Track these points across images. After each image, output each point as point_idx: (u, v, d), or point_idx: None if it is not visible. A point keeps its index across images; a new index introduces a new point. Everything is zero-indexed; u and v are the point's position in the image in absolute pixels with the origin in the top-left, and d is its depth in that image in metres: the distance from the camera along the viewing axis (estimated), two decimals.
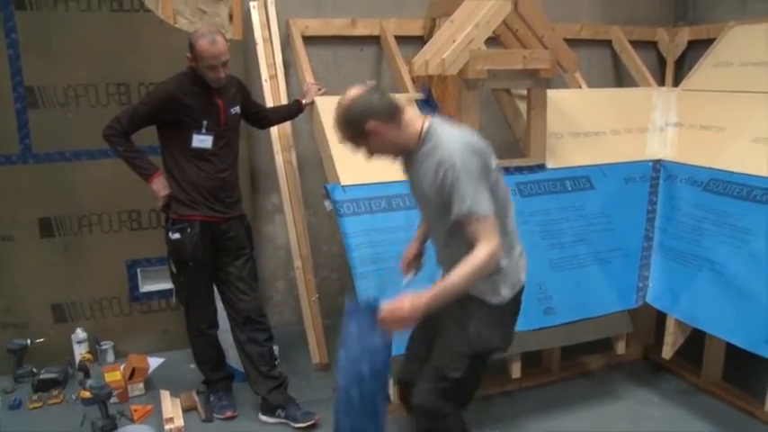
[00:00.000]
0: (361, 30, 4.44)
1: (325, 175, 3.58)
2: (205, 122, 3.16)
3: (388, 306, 2.18)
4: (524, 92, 3.80)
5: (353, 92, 2.27)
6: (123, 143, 3.17)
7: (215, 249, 3.31)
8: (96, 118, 3.59)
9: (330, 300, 4.43)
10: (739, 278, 3.23)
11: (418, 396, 2.44)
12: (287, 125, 4.17)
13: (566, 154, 3.87)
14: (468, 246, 2.19)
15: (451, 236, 2.31)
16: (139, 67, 3.91)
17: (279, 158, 4.20)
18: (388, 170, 3.44)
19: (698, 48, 4.91)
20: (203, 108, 3.16)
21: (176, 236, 3.20)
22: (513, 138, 4.16)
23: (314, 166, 4.35)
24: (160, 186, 3.21)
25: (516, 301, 2.47)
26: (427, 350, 2.53)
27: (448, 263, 2.34)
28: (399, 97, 3.77)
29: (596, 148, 3.98)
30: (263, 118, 3.70)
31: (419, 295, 2.15)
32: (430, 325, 2.45)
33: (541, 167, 3.73)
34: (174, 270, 3.31)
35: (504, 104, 4.18)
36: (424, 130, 2.29)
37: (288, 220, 4.19)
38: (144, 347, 4.12)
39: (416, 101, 3.85)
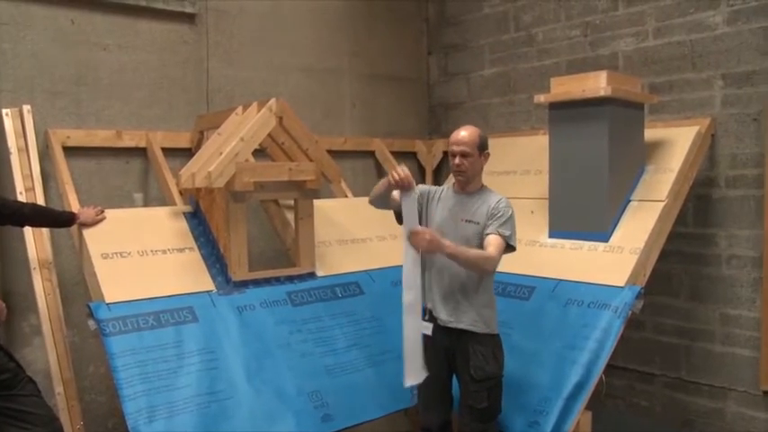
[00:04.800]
0: (126, 141, 4.33)
1: (90, 292, 3.41)
2: None
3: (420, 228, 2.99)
4: (292, 202, 3.92)
5: None
6: None
7: None
8: None
9: (99, 424, 4.14)
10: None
11: None
12: (45, 240, 3.92)
13: (335, 261, 4.01)
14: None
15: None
16: None
17: (36, 276, 3.91)
18: (155, 285, 3.40)
19: None
20: None
21: None
22: (282, 247, 4.24)
23: (77, 282, 4.12)
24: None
25: None
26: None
27: (450, 278, 3.14)
28: (166, 210, 3.81)
29: (364, 254, 4.17)
30: (20, 218, 3.36)
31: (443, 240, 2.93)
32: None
33: (312, 276, 3.83)
34: None
35: (272, 215, 4.26)
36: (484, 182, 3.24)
37: (47, 342, 3.86)
38: None
39: (184, 213, 3.82)
